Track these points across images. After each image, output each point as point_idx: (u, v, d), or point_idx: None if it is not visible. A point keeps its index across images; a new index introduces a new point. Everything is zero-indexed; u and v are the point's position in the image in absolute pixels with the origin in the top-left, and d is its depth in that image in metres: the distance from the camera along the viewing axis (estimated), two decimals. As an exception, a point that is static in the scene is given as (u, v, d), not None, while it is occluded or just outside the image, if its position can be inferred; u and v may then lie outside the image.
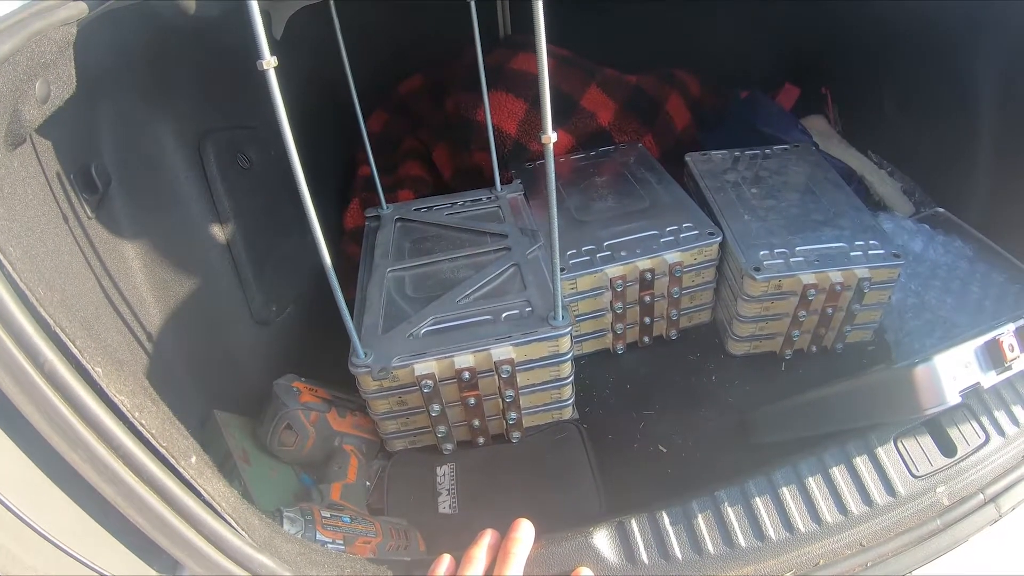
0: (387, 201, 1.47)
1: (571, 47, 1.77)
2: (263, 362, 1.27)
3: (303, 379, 1.19)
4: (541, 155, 1.62)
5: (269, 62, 0.73)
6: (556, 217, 0.92)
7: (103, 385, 0.57)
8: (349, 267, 1.42)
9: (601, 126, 1.70)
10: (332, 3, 1.24)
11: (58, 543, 0.55)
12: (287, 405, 1.12)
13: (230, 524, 0.63)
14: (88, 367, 0.56)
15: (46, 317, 0.55)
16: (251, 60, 0.70)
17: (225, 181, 1.21)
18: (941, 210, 1.71)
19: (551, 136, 0.82)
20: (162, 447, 0.59)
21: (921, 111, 1.70)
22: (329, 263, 0.90)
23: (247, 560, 0.63)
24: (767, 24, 1.89)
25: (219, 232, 1.21)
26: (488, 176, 1.50)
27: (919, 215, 1.74)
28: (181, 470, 0.60)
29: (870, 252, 1.26)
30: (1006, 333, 0.84)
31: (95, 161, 0.96)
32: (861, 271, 1.22)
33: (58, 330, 0.55)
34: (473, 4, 1.29)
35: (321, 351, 1.28)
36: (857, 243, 1.28)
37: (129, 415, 0.58)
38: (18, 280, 0.54)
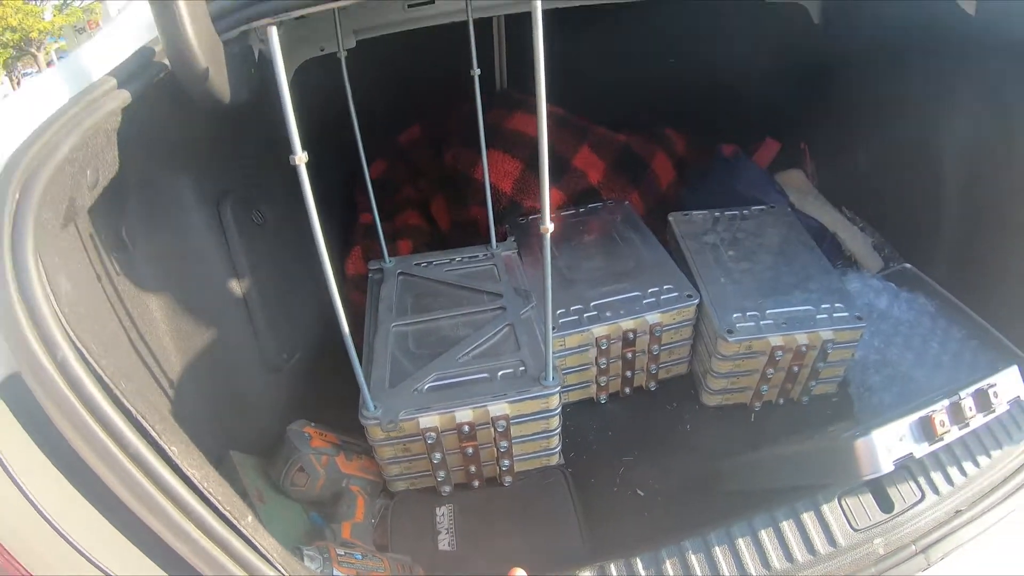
0: (387, 250, 1.65)
1: (566, 103, 1.95)
2: (274, 405, 1.44)
3: (313, 424, 1.36)
4: (534, 211, 1.82)
5: (301, 158, 0.91)
6: (551, 306, 1.11)
7: (178, 463, 0.73)
8: (351, 313, 1.59)
9: (591, 184, 1.90)
10: (342, 56, 1.43)
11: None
12: (300, 449, 1.29)
13: (282, 572, 0.80)
14: (165, 447, 0.73)
15: (129, 408, 0.71)
16: (268, 126, 0.87)
17: (241, 237, 1.37)
18: (908, 266, 1.92)
19: (549, 227, 1.01)
20: (227, 511, 0.76)
21: (894, 170, 1.91)
22: (347, 331, 1.08)
23: None
24: (751, 83, 2.09)
25: (235, 285, 1.37)
26: (483, 229, 1.69)
27: (887, 271, 1.94)
28: (241, 528, 0.77)
29: (835, 315, 1.47)
30: (939, 410, 1.03)
31: (125, 223, 1.11)
32: (826, 333, 1.43)
33: (141, 419, 0.71)
34: (476, 77, 1.49)
35: (328, 396, 1.46)
36: (823, 306, 1.49)
37: (200, 486, 0.74)
38: (103, 375, 0.71)
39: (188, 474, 0.74)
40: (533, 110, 1.73)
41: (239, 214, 1.38)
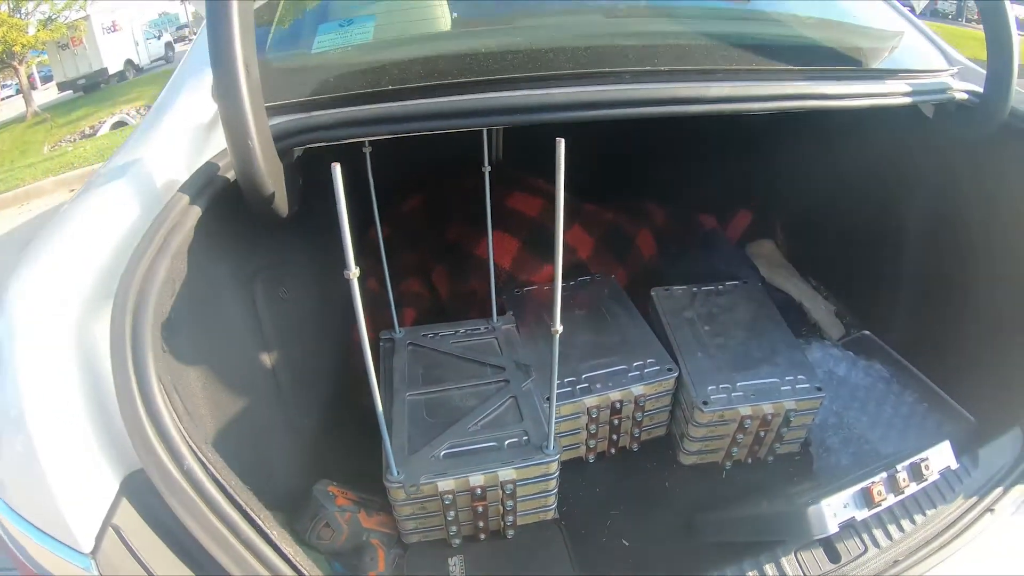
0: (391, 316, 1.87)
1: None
2: (297, 464, 1.62)
3: (335, 483, 1.57)
4: (529, 283, 2.06)
5: (355, 272, 1.12)
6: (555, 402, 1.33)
7: (278, 544, 0.92)
8: (360, 377, 1.81)
9: (581, 259, 2.14)
10: (368, 151, 1.63)
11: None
12: (326, 507, 1.49)
13: None
14: (268, 532, 0.91)
15: (235, 497, 0.91)
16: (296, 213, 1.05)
17: (269, 311, 1.55)
18: (867, 333, 2.17)
19: (558, 327, 1.23)
20: (304, 568, 0.96)
21: (856, 245, 2.17)
22: (380, 407, 1.30)
23: None
24: (729, 162, 2.35)
25: (264, 356, 1.56)
26: (481, 300, 1.91)
27: (848, 337, 2.19)
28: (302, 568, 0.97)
29: (798, 386, 1.71)
30: (878, 481, 1.28)
31: (171, 303, 1.22)
32: (789, 403, 1.67)
33: (248, 508, 0.91)
34: (487, 173, 1.72)
35: (345, 455, 1.66)
36: (787, 378, 1.72)
37: (298, 565, 0.95)
38: (216, 474, 0.90)
39: (285, 552, 0.93)
40: (530, 189, 1.97)
41: (268, 291, 1.55)
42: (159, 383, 0.87)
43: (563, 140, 1.04)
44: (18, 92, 16.94)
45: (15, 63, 14.90)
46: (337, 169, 1.02)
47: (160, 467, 0.84)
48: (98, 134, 11.78)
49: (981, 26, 1.53)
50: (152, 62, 21.51)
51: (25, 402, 0.85)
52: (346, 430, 1.79)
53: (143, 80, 17.62)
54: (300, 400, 1.64)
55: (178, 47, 24.80)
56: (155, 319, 0.93)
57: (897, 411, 1.93)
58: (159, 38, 22.83)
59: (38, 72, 22.11)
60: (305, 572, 0.94)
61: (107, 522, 0.83)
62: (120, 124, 12.27)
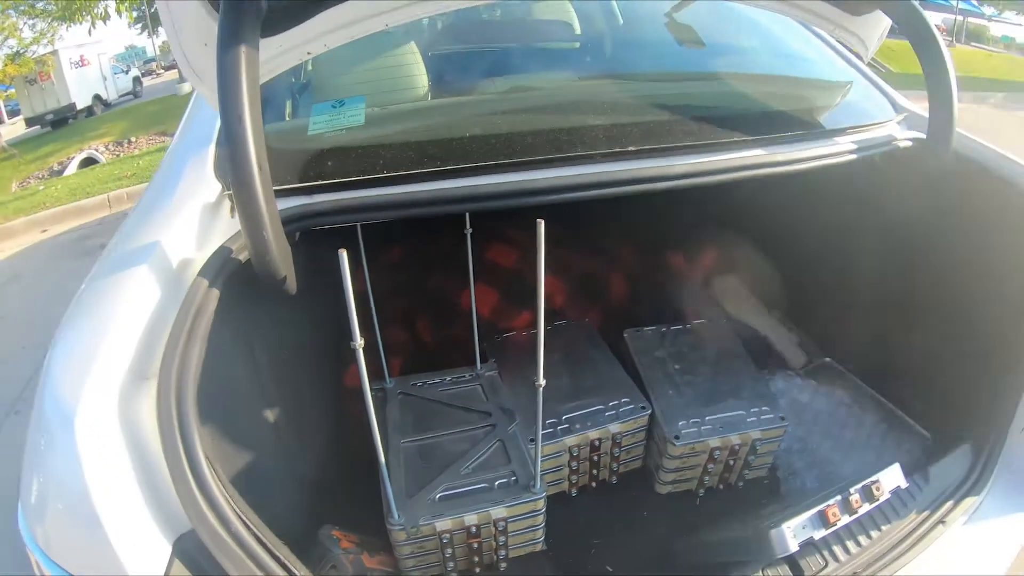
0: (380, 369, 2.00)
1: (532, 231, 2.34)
2: (299, 511, 1.73)
3: (337, 527, 1.69)
4: (508, 330, 2.21)
5: (360, 343, 1.26)
6: (540, 445, 1.48)
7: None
8: (352, 425, 1.95)
9: (556, 306, 2.30)
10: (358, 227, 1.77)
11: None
12: (331, 550, 1.61)
13: None
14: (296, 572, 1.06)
15: (276, 553, 1.03)
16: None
17: (271, 370, 1.67)
18: (828, 360, 2.33)
19: (542, 383, 1.38)
20: None
21: (818, 278, 2.34)
22: (383, 459, 1.43)
23: None
24: (695, 207, 2.51)
25: (268, 412, 1.67)
26: (463, 347, 2.06)
27: (810, 365, 2.35)
28: None
29: (762, 417, 1.87)
30: (832, 504, 1.43)
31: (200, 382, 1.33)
32: (755, 433, 1.83)
33: (282, 558, 1.04)
34: (468, 235, 1.87)
35: (343, 500, 1.78)
36: (752, 410, 1.88)
37: None
38: (259, 534, 1.03)
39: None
40: (506, 242, 2.12)
41: (269, 354, 1.67)
42: (205, 458, 1.00)
43: (542, 221, 1.18)
44: (-15, 129, 16.91)
45: (-19, 96, 14.91)
46: (343, 255, 1.16)
47: (212, 532, 0.96)
48: (67, 171, 11.74)
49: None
50: (120, 96, 21.55)
51: (87, 478, 0.95)
52: (342, 476, 1.92)
53: (111, 115, 17.58)
54: (300, 450, 1.76)
55: (146, 81, 24.83)
56: (195, 404, 1.05)
57: (858, 433, 2.08)
58: (127, 72, 22.88)
59: (5, 106, 21.97)
60: None
61: None
62: (89, 161, 12.22)
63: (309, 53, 1.39)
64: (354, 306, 1.22)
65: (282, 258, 1.22)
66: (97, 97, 19.66)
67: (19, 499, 1.09)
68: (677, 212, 2.51)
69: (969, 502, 1.52)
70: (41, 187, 9.98)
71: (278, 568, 1.02)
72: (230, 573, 0.97)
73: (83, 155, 12.61)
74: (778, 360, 2.40)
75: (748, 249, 2.62)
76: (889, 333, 2.10)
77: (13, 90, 18.28)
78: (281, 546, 1.06)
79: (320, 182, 1.40)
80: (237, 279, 1.27)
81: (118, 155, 12.13)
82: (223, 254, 1.27)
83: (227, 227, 1.37)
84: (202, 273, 1.22)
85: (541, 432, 1.54)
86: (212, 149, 1.53)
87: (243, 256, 1.28)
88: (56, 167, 12.60)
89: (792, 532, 1.40)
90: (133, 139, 12.96)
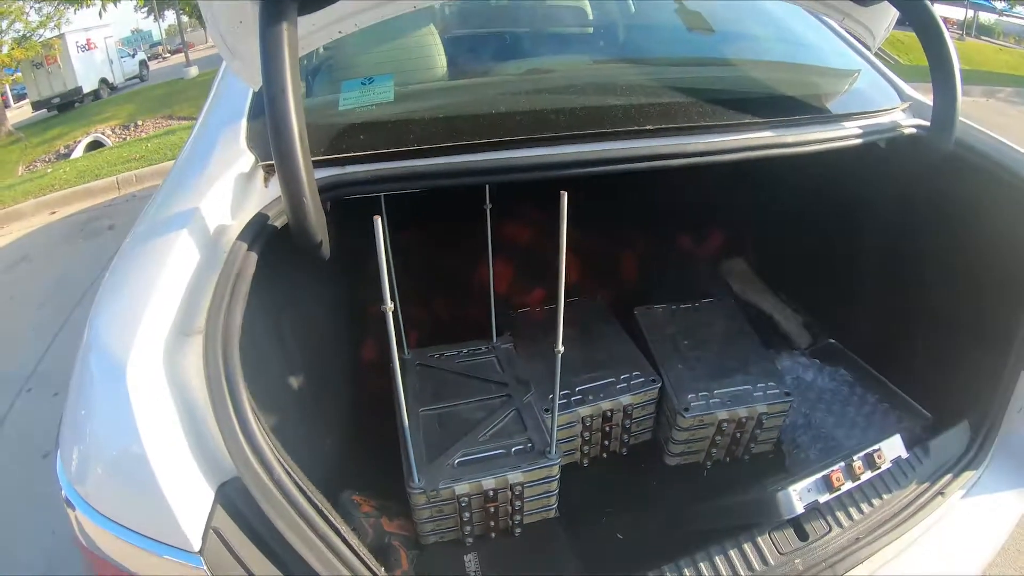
0: (399, 341, 2.06)
1: (547, 209, 2.40)
2: (320, 477, 1.78)
3: (358, 493, 1.76)
4: (523, 305, 2.27)
5: (390, 307, 1.31)
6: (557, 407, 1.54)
7: (347, 539, 1.10)
8: (369, 396, 2.02)
9: (569, 284, 2.35)
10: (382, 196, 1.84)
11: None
12: (353, 514, 1.69)
13: None
14: (340, 528, 1.09)
15: (314, 500, 1.07)
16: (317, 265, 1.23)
17: (295, 340, 1.74)
18: (832, 341, 2.39)
19: (560, 349, 1.45)
20: (371, 563, 1.14)
21: (823, 261, 2.39)
22: (406, 423, 1.50)
23: None
24: (703, 190, 2.56)
25: (292, 380, 1.73)
26: (479, 322, 2.13)
27: (815, 346, 2.42)
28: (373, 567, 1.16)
29: (769, 392, 1.93)
30: (836, 469, 1.50)
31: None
32: (761, 407, 1.89)
33: (320, 505, 1.08)
34: (488, 211, 1.93)
35: (362, 467, 1.85)
36: (759, 385, 1.95)
37: (352, 544, 1.11)
38: (300, 482, 1.09)
39: (357, 549, 1.10)
40: (521, 220, 2.18)
41: (292, 324, 1.74)
42: (251, 408, 1.06)
43: (566, 193, 1.24)
44: (-8, 111, 16.90)
45: (-12, 80, 14.92)
46: (378, 221, 1.22)
47: (256, 478, 1.01)
48: (73, 154, 11.74)
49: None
50: (126, 80, 21.55)
51: (138, 427, 1.00)
52: (361, 445, 1.99)
53: (118, 99, 17.59)
54: (321, 418, 1.83)
55: (152, 65, 24.78)
56: (237, 355, 1.10)
57: (860, 411, 2.15)
58: (133, 56, 22.89)
59: (11, 90, 21.97)
60: (373, 567, 1.13)
61: (208, 525, 0.99)
62: (96, 144, 12.19)
63: (340, 32, 1.43)
64: (386, 270, 1.27)
65: (318, 224, 1.27)
66: (103, 81, 19.70)
67: (58, 456, 1.13)
68: (687, 196, 2.56)
69: (967, 476, 1.58)
70: (49, 169, 9.98)
71: (317, 516, 1.07)
72: (272, 519, 1.02)
73: (89, 138, 12.62)
74: (783, 340, 2.46)
75: (756, 232, 2.68)
76: (892, 316, 2.16)
77: (20, 74, 18.26)
78: (319, 495, 1.11)
79: (352, 154, 1.45)
80: (273, 245, 1.32)
81: (124, 139, 12.13)
82: (260, 220, 1.33)
83: (260, 196, 1.41)
84: (241, 237, 1.27)
85: (557, 403, 1.60)
86: (244, 123, 1.58)
87: (279, 223, 1.34)
88: (62, 150, 12.62)
89: (798, 495, 1.46)
90: (140, 122, 12.99)
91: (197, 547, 0.98)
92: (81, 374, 1.13)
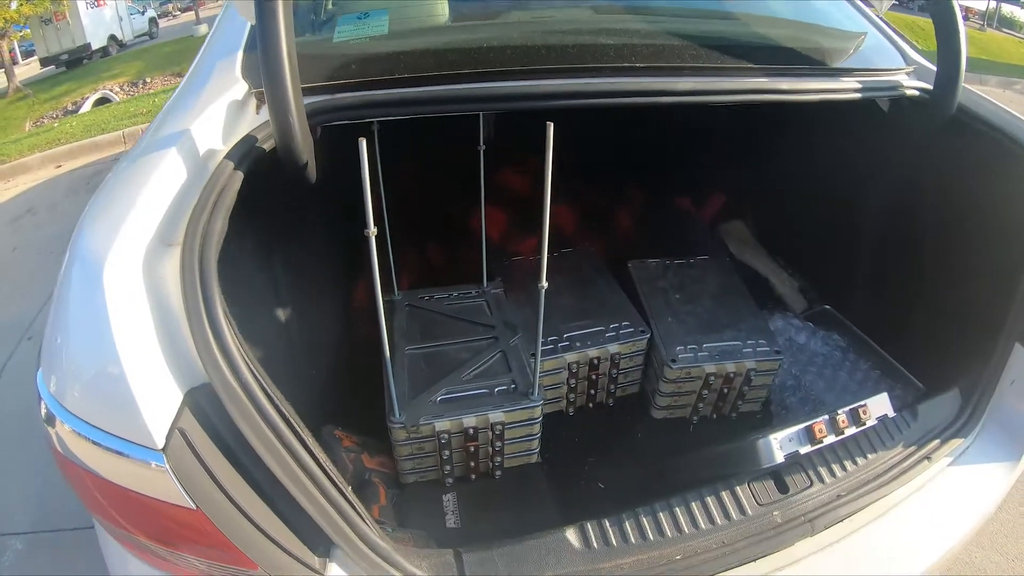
0: (389, 282, 2.06)
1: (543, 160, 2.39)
2: (304, 411, 1.80)
3: (341, 428, 1.76)
4: (516, 253, 2.26)
5: (372, 231, 1.31)
6: (540, 343, 1.53)
7: (312, 448, 1.10)
8: (358, 338, 2.02)
9: (563, 233, 2.35)
10: (375, 128, 1.83)
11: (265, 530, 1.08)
12: (333, 448, 1.69)
13: (369, 525, 1.19)
14: (304, 438, 1.09)
15: (280, 406, 1.08)
16: (305, 190, 1.22)
17: (286, 276, 1.74)
18: (828, 307, 2.38)
19: (544, 285, 1.43)
20: (333, 474, 1.15)
21: (822, 227, 2.37)
22: (388, 356, 1.49)
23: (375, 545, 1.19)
24: (704, 152, 2.56)
25: (280, 312, 1.74)
26: (470, 267, 2.12)
27: (809, 311, 2.40)
28: (348, 495, 1.16)
29: (758, 349, 1.92)
30: (819, 422, 1.49)
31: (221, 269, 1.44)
32: (750, 363, 1.88)
33: (286, 412, 1.08)
34: (481, 152, 1.91)
35: (346, 405, 1.85)
36: (749, 342, 1.93)
37: (324, 465, 1.11)
38: (267, 387, 1.09)
39: (319, 458, 1.11)
40: (518, 169, 2.17)
41: (283, 258, 1.74)
42: (224, 314, 1.05)
43: (552, 124, 1.23)
44: (-1, 68, 16.87)
45: (-4, 38, 14.83)
46: (363, 143, 1.22)
47: (224, 381, 1.01)
48: (80, 110, 11.72)
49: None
50: (136, 38, 21.42)
51: (111, 327, 1.00)
52: (346, 383, 2.00)
53: (126, 56, 17.54)
54: (308, 353, 1.82)
55: (162, 22, 24.68)
56: (216, 264, 1.10)
57: (852, 377, 2.14)
58: (143, 13, 22.70)
59: (20, 47, 21.90)
60: (334, 477, 1.13)
61: (174, 425, 0.99)
62: (103, 101, 12.19)
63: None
64: (369, 193, 1.26)
65: (304, 144, 1.28)
66: (112, 38, 19.58)
67: (39, 363, 1.14)
68: (688, 156, 2.56)
69: (956, 443, 1.58)
70: (56, 124, 9.98)
71: (284, 426, 1.07)
72: (237, 422, 1.02)
73: (97, 95, 12.62)
74: (778, 304, 2.45)
75: (755, 196, 2.66)
76: (888, 284, 2.14)
77: (28, 30, 18.21)
78: (289, 407, 1.10)
79: (343, 81, 1.44)
80: (261, 167, 1.32)
81: (133, 96, 12.12)
82: (249, 142, 1.33)
83: (252, 123, 1.41)
84: (228, 156, 1.27)
85: (541, 344, 1.60)
86: (240, 54, 1.57)
87: (267, 145, 1.34)
88: (70, 107, 12.61)
89: (779, 443, 1.46)
90: (148, 79, 12.96)
91: (160, 445, 0.98)
92: (63, 282, 1.13)
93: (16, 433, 3.07)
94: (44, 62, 18.80)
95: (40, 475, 2.76)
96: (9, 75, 15.13)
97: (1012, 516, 2.34)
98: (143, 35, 21.99)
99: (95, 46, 18.56)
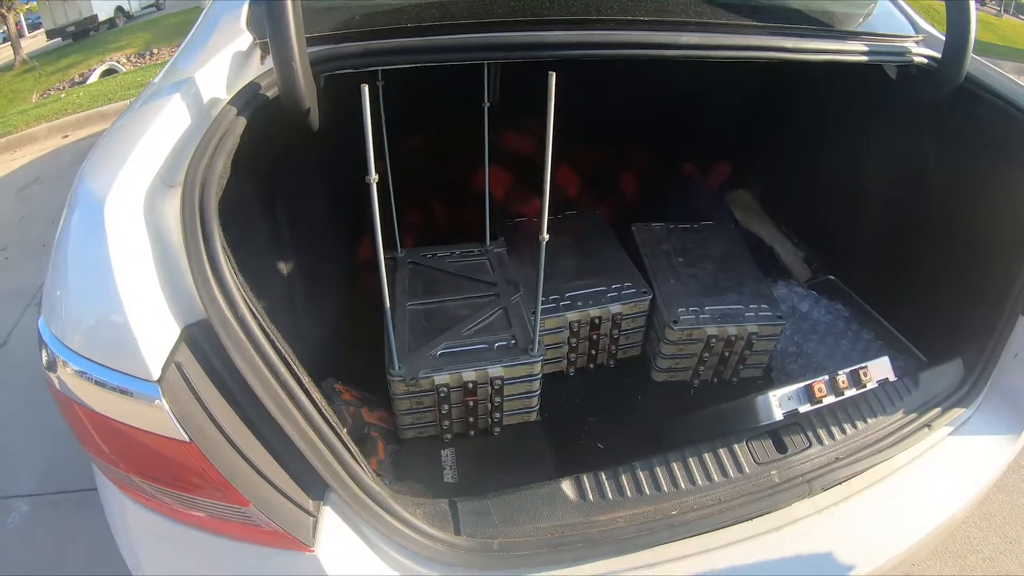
0: (392, 240, 2.06)
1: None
2: (305, 364, 1.80)
3: (340, 382, 1.76)
4: (520, 214, 2.26)
5: (373, 178, 1.30)
6: (541, 297, 1.53)
7: (308, 388, 1.10)
8: (361, 292, 2.01)
9: (568, 196, 2.34)
10: (380, 84, 1.82)
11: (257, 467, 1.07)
12: (333, 400, 1.69)
13: (364, 469, 1.20)
14: (301, 378, 1.09)
15: (276, 343, 1.07)
16: (308, 143, 1.22)
17: (287, 225, 1.74)
18: (832, 278, 2.37)
19: (545, 237, 1.43)
20: (328, 414, 1.15)
21: (826, 197, 2.36)
22: (388, 306, 1.49)
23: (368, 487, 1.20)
24: (712, 118, 2.54)
25: (281, 265, 1.73)
26: (474, 227, 2.11)
27: (814, 280, 2.39)
28: (344, 438, 1.16)
29: (760, 313, 1.91)
30: (819, 381, 1.48)
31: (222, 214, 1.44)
32: (752, 327, 1.87)
33: (282, 350, 1.08)
34: (486, 109, 1.90)
35: (347, 361, 1.85)
36: (751, 306, 1.92)
37: (310, 391, 1.12)
38: (264, 325, 1.09)
39: (314, 397, 1.11)
40: (522, 131, 2.16)
41: (286, 210, 1.74)
42: (222, 246, 1.05)
43: (554, 74, 1.23)
44: (5, 40, 16.77)
45: (3, 10, 14.70)
46: (365, 88, 1.21)
47: (221, 316, 1.01)
48: (87, 82, 11.71)
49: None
50: (143, 9, 21.36)
51: (112, 262, 1.00)
52: (348, 338, 2.00)
53: (133, 27, 17.50)
54: (309, 307, 1.83)
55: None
56: (216, 203, 1.10)
57: (854, 346, 2.13)
58: (150, -16, 22.67)
59: (26, 20, 21.85)
60: (330, 418, 1.13)
61: (170, 359, 0.99)
62: (110, 72, 12.15)
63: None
64: (371, 140, 1.26)
65: (308, 91, 1.29)
66: (119, 9, 19.50)
67: (41, 306, 1.14)
68: (693, 118, 2.54)
69: (956, 412, 1.58)
70: (63, 95, 9.96)
71: (281, 364, 1.07)
72: (234, 358, 1.02)
73: (104, 67, 12.58)
74: (782, 273, 2.44)
75: (762, 165, 2.65)
76: (892, 256, 2.13)
77: (35, 2, 18.18)
78: (287, 345, 1.10)
79: (347, 31, 1.44)
80: (264, 113, 1.32)
81: (140, 67, 12.09)
82: (252, 88, 1.33)
83: (257, 72, 1.41)
84: (232, 102, 1.27)
85: (541, 302, 1.59)
86: (245, 7, 1.58)
87: (271, 93, 1.34)
88: (77, 79, 12.57)
89: (778, 401, 1.46)
90: (155, 51, 12.94)
91: (156, 376, 0.98)
92: (65, 223, 1.14)
93: (22, 398, 3.11)
94: (50, 34, 18.76)
95: (46, 439, 2.79)
96: (16, 47, 15.09)
97: (1012, 498, 2.33)
98: (150, 6, 21.91)
99: (102, 18, 18.54)
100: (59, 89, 12.01)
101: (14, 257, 4.55)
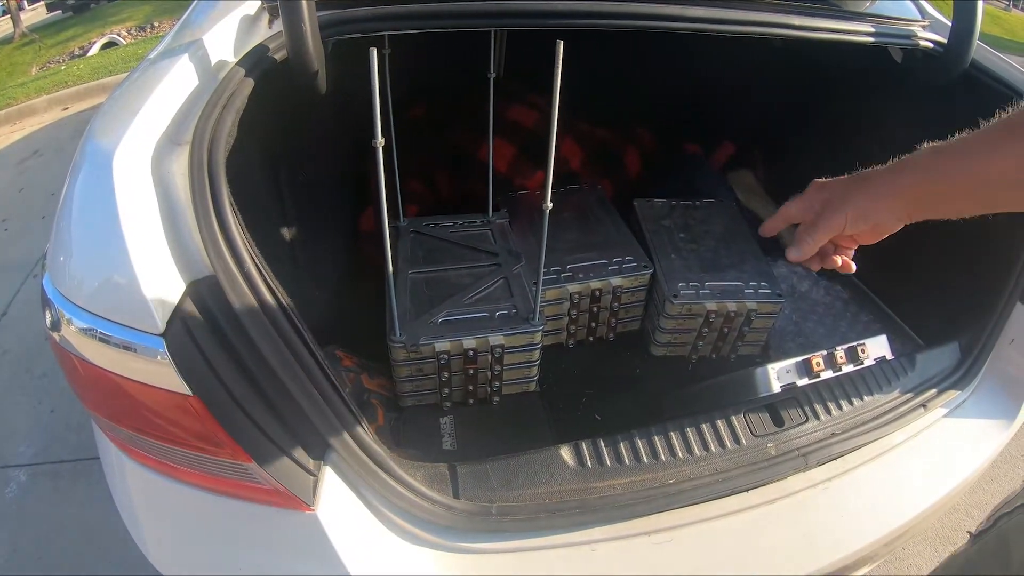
0: (395, 209, 2.06)
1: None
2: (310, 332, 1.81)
3: (342, 349, 1.76)
4: (523, 187, 2.26)
5: (380, 142, 1.30)
6: (543, 267, 1.53)
7: (312, 346, 1.10)
8: (363, 261, 2.02)
9: (572, 170, 2.34)
10: (387, 52, 1.82)
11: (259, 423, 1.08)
12: (333, 368, 1.69)
13: (365, 429, 1.20)
14: (304, 335, 1.09)
15: (280, 299, 1.08)
16: (314, 107, 1.22)
17: (291, 191, 1.74)
18: (831, 261, 2.37)
19: (549, 205, 1.43)
20: (329, 370, 1.15)
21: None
22: (391, 271, 1.49)
23: (370, 448, 1.20)
24: (716, 98, 2.54)
25: (285, 231, 1.74)
26: (477, 199, 2.11)
27: (813, 263, 2.39)
28: (345, 397, 1.16)
29: (760, 291, 1.91)
30: (817, 356, 1.49)
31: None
32: (751, 304, 1.87)
33: (286, 304, 1.09)
34: (491, 79, 1.90)
35: (350, 327, 1.85)
36: (751, 283, 1.92)
37: (313, 348, 1.12)
38: (269, 280, 1.09)
39: (316, 354, 1.12)
40: (527, 103, 2.15)
41: (289, 175, 1.75)
42: (230, 202, 1.06)
43: (562, 42, 1.22)
44: (5, 13, 16.63)
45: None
46: (374, 52, 1.21)
47: (227, 270, 1.02)
48: (87, 55, 11.64)
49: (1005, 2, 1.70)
50: (144, -16, 21.26)
51: (122, 218, 1.01)
52: (350, 305, 2.00)
53: (134, 0, 17.41)
54: (313, 273, 1.84)
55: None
56: (223, 162, 1.11)
57: (852, 328, 2.14)
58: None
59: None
60: (332, 377, 1.14)
61: (175, 312, 0.99)
62: (110, 45, 12.06)
63: None
64: (378, 104, 1.26)
65: (316, 53, 1.30)
66: (121, -17, 19.40)
67: (46, 264, 1.15)
68: (698, 97, 2.54)
69: (952, 395, 1.59)
70: (63, 67, 9.91)
71: (285, 320, 1.07)
72: (238, 313, 1.03)
73: (104, 39, 12.47)
74: (783, 253, 2.43)
75: (765, 147, 2.65)
76: (892, 240, 2.12)
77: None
78: (291, 302, 1.11)
79: None
80: (272, 76, 1.33)
81: (141, 40, 12.03)
82: (260, 50, 1.34)
83: (265, 35, 1.43)
84: (240, 63, 1.29)
85: (543, 271, 1.59)
86: None
87: (279, 56, 1.35)
88: (77, 52, 12.45)
89: (776, 374, 1.46)
90: (157, 23, 12.82)
91: (161, 329, 0.99)
92: (71, 179, 1.14)
93: (21, 367, 3.13)
94: (50, 7, 18.52)
95: (45, 409, 2.81)
96: (15, 20, 14.94)
97: (1004, 489, 2.35)
98: (151, -19, 21.77)
99: (103, -10, 18.37)
100: (59, 62, 11.91)
101: (14, 228, 4.57)
